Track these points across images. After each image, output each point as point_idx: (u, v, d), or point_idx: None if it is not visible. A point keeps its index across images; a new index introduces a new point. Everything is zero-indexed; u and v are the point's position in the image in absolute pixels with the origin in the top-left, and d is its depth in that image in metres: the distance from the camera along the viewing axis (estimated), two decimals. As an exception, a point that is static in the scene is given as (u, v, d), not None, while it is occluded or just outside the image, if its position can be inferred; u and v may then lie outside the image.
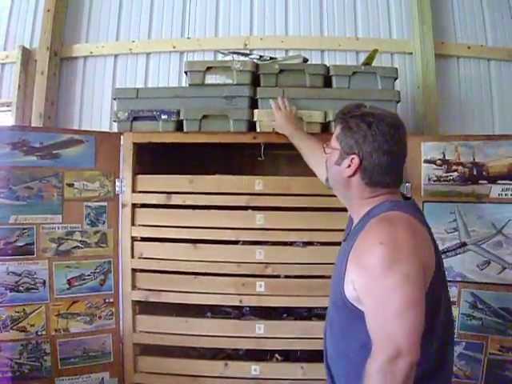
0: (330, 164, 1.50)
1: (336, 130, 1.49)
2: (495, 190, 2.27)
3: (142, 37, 3.14)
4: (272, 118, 2.21)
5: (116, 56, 3.14)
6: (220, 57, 2.64)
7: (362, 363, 1.25)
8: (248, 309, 2.45)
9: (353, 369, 1.34)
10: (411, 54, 3.05)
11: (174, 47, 3.05)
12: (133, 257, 2.33)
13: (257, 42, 3.02)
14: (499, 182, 2.28)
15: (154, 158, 2.54)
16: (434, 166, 2.29)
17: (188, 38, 3.09)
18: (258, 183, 2.24)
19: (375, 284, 1.23)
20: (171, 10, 3.17)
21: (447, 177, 2.28)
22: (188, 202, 2.28)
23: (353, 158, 1.40)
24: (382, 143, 1.38)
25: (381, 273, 1.22)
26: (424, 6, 3.01)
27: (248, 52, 2.62)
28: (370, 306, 1.26)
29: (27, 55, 3.25)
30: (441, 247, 2.22)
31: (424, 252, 1.28)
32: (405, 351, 1.17)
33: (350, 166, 1.41)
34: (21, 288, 2.26)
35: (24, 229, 2.26)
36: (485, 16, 3.20)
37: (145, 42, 3.12)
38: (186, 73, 2.37)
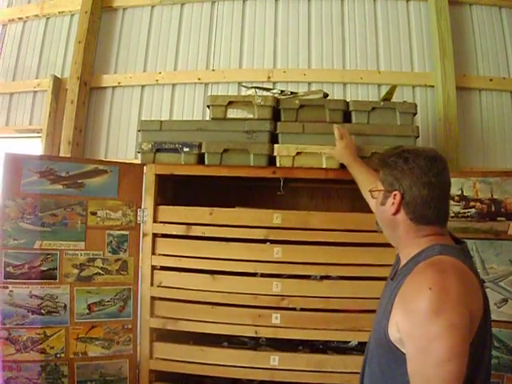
0: (377, 206, 1.54)
1: (380, 171, 1.53)
2: (514, 228, 2.26)
3: (169, 68, 3.22)
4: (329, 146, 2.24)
5: (143, 87, 3.23)
6: (243, 90, 2.70)
7: None
8: (265, 339, 2.46)
9: None
10: (433, 86, 3.05)
11: (199, 79, 3.13)
12: (152, 285, 2.37)
13: (280, 75, 3.07)
14: (518, 219, 2.27)
15: (176, 189, 2.60)
16: (452, 202, 2.29)
17: (213, 69, 3.16)
18: (276, 217, 2.27)
19: (419, 329, 1.22)
20: (197, 42, 3.26)
21: (465, 213, 2.28)
22: (207, 234, 2.32)
23: (395, 195, 1.43)
24: (420, 176, 1.40)
25: (427, 318, 1.21)
26: (445, 39, 3.02)
27: (270, 86, 2.67)
28: (411, 350, 1.24)
29: (58, 84, 3.37)
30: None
31: (473, 300, 1.26)
32: None
33: (393, 203, 1.44)
34: (42, 311, 2.32)
35: (48, 254, 2.33)
36: (507, 48, 3.19)
37: (171, 74, 3.20)
38: (208, 106, 2.43)
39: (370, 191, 1.58)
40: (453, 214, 2.29)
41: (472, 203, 2.28)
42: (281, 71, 3.09)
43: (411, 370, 1.23)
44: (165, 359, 2.37)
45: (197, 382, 2.42)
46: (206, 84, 3.14)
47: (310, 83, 3.05)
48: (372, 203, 1.91)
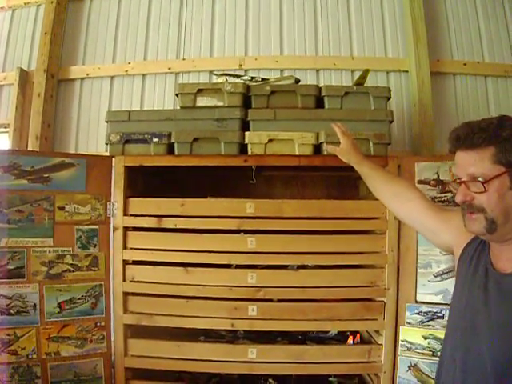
0: (500, 195, 1.24)
1: (479, 154, 1.26)
2: None
3: (138, 58, 3.15)
4: (329, 140, 2.14)
5: (112, 78, 3.15)
6: (214, 78, 2.64)
7: None
8: (242, 332, 2.42)
9: None
10: (407, 72, 3.03)
11: (170, 68, 3.06)
12: (124, 280, 2.30)
13: (251, 62, 3.02)
14: (495, 202, 2.24)
15: (147, 181, 2.53)
16: (428, 187, 2.25)
17: (183, 59, 3.09)
18: (249, 206, 2.21)
19: None
20: (166, 32, 3.18)
21: (442, 197, 2.24)
22: (179, 226, 2.26)
23: None
24: None
25: None
26: (419, 24, 2.99)
27: (241, 74, 2.61)
28: None
29: (25, 77, 3.27)
30: (436, 269, 2.19)
31: None
32: None
33: None
34: (11, 311, 2.23)
35: (15, 252, 2.24)
36: (481, 32, 3.19)
37: (140, 64, 3.12)
38: (177, 95, 2.36)
39: (485, 182, 1.24)
40: (429, 199, 2.25)
41: (449, 187, 2.24)
42: (252, 58, 3.03)
43: None
44: (140, 356, 2.31)
45: (174, 378, 2.37)
46: (177, 73, 3.08)
47: (282, 70, 3.00)
48: (394, 203, 1.76)
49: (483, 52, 3.18)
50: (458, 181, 1.31)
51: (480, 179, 1.24)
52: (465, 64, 3.10)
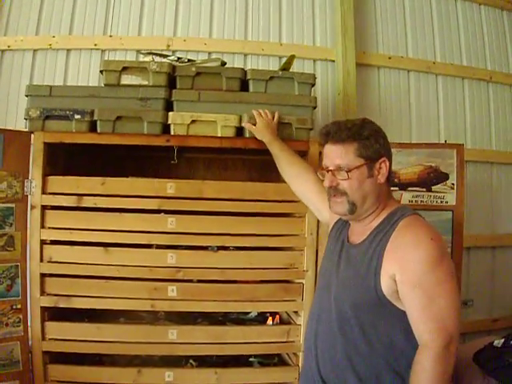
0: (360, 183, 1.52)
1: (345, 148, 1.53)
2: (406, 197, 2.34)
3: (63, 32, 3.01)
4: (251, 122, 2.20)
5: (35, 51, 2.98)
6: (140, 57, 2.59)
7: (388, 362, 1.44)
8: (163, 313, 2.41)
9: (372, 373, 1.46)
10: (333, 61, 3.10)
11: (96, 45, 2.95)
12: (42, 261, 2.22)
13: (180, 44, 2.98)
14: (410, 188, 2.35)
15: (69, 160, 2.46)
16: (347, 174, 2.32)
17: (110, 36, 3.00)
18: (170, 186, 2.20)
19: (427, 276, 1.37)
20: (94, 6, 3.06)
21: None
22: (99, 205, 2.21)
23: (383, 161, 1.53)
24: (387, 140, 1.58)
25: (433, 266, 1.37)
26: (347, 16, 3.07)
27: (168, 54, 2.58)
28: (419, 298, 1.37)
29: None
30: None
31: None
32: (455, 337, 1.35)
33: (379, 171, 1.53)
34: None
35: None
36: (407, 28, 3.32)
37: (65, 38, 2.99)
38: (101, 72, 2.31)
39: (348, 171, 1.51)
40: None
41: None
42: (181, 40, 2.99)
43: (421, 316, 1.37)
44: (58, 339, 2.25)
45: (94, 361, 2.32)
46: (103, 51, 2.97)
47: (210, 53, 2.98)
48: (296, 181, 2.04)
49: (407, 47, 3.31)
50: (326, 169, 1.58)
51: (345, 169, 1.51)
52: (389, 58, 3.22)
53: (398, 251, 1.42)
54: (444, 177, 2.37)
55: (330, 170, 1.55)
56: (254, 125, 2.17)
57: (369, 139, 1.51)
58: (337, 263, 1.62)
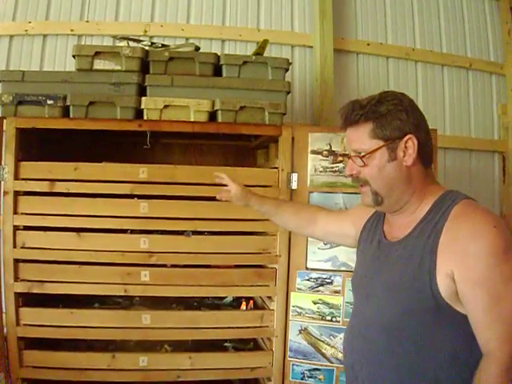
0: (380, 169, 1.31)
1: (359, 130, 1.32)
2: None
3: (40, 18, 2.96)
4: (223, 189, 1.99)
5: (11, 37, 2.95)
6: (116, 43, 2.58)
7: (449, 377, 1.21)
8: (138, 299, 2.42)
9: None
10: (312, 47, 3.09)
11: (72, 30, 2.92)
12: (15, 246, 2.22)
13: (157, 29, 2.96)
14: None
15: (42, 146, 2.46)
16: (321, 157, 2.33)
17: (87, 21, 2.97)
18: (142, 171, 2.20)
19: (492, 272, 1.15)
20: (71, -9, 3.03)
21: (333, 167, 2.33)
22: (72, 190, 2.21)
23: (409, 139, 1.28)
24: (419, 112, 1.34)
25: (498, 260, 1.15)
26: (326, 2, 3.05)
27: (145, 39, 2.56)
28: (482, 298, 1.16)
29: None
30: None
31: None
32: None
33: (405, 151, 1.29)
34: None
35: None
36: (386, 15, 3.31)
37: (41, 24, 2.95)
38: (73, 57, 2.29)
39: (362, 157, 1.32)
40: (321, 169, 2.33)
41: (340, 158, 2.33)
42: (158, 25, 2.96)
43: (486, 319, 1.16)
44: (33, 325, 2.25)
45: (71, 346, 2.32)
46: (80, 36, 2.94)
47: (187, 39, 2.96)
48: (312, 227, 1.80)
49: (387, 34, 3.30)
50: (348, 156, 1.39)
51: (360, 154, 1.32)
52: (368, 44, 3.21)
53: (454, 244, 1.20)
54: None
55: (350, 157, 1.37)
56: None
57: (386, 116, 1.28)
58: (376, 267, 1.41)
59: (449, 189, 1.36)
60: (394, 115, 1.29)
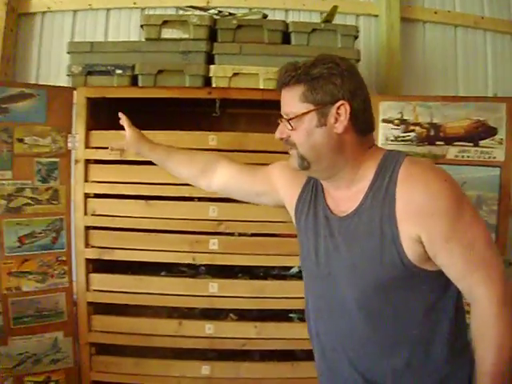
0: (308, 133, 1.24)
1: (291, 93, 1.25)
2: (452, 152, 2.27)
3: (103, -8, 3.01)
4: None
5: (75, 12, 2.99)
6: (180, 13, 2.57)
7: (429, 332, 1.24)
8: (204, 268, 2.43)
9: (418, 347, 1.25)
10: (377, 16, 3.00)
11: (135, 3, 2.93)
12: (86, 214, 2.28)
13: (220, 0, 2.94)
14: (456, 143, 2.28)
15: (111, 115, 2.48)
16: (392, 126, 2.27)
17: (150, -7, 2.98)
18: (212, 139, 2.21)
19: (457, 224, 1.16)
20: (134, -37, 3.04)
21: (404, 137, 2.27)
22: (141, 158, 2.23)
23: (341, 104, 1.21)
24: (358, 77, 1.26)
25: (459, 210, 1.16)
26: (392, -32, 2.95)
27: (208, 7, 2.55)
28: (456, 249, 1.16)
29: (-17, 10, 3.12)
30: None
31: None
32: (505, 276, 1.16)
33: (337, 118, 1.21)
34: (-31, 246, 2.19)
35: (-29, 184, 2.19)
36: (454, -19, 3.17)
37: (105, -2, 3.00)
38: (141, 26, 2.30)
39: (290, 120, 1.24)
40: (392, 138, 2.27)
41: (411, 127, 2.27)
42: (221, -5, 2.95)
43: (466, 268, 1.17)
44: (102, 291, 2.32)
45: (136, 312, 2.38)
46: (143, 9, 2.95)
47: (250, 9, 2.90)
48: (202, 175, 1.65)
49: (455, 1, 3.16)
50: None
51: (289, 117, 1.25)
52: (435, 12, 3.08)
53: (412, 209, 1.17)
54: (492, 131, 2.28)
55: (282, 120, 1.29)
56: None
57: (318, 80, 1.21)
58: (332, 245, 1.32)
59: (385, 150, 1.30)
60: (327, 79, 1.21)
